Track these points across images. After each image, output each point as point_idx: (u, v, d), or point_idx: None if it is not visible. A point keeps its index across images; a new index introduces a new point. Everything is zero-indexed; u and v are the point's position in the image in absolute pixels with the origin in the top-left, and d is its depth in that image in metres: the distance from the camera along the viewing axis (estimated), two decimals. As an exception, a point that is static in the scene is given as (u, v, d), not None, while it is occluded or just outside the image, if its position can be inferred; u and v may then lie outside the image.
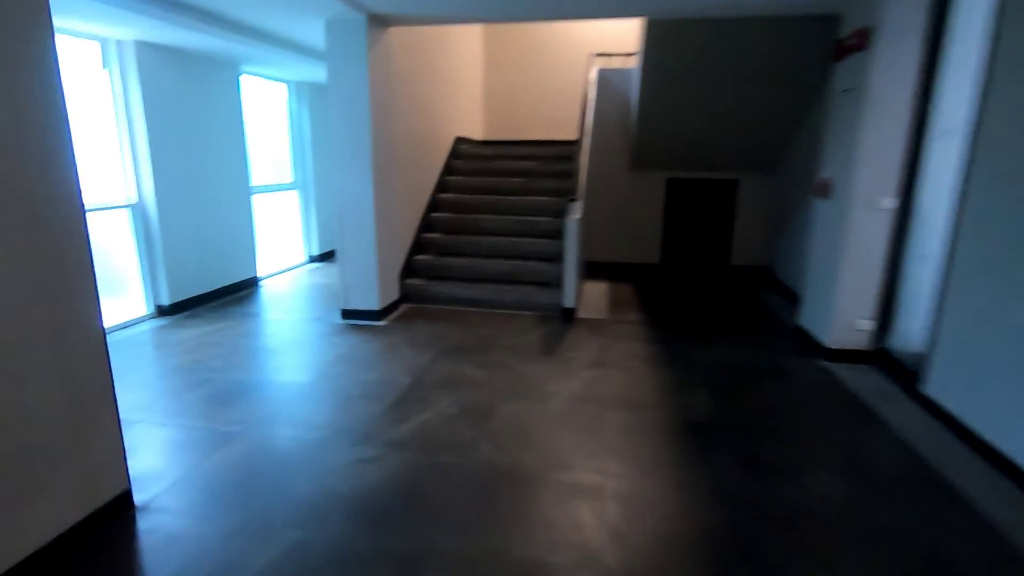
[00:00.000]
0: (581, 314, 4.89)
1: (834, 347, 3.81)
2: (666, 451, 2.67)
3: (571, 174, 6.26)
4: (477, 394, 3.26)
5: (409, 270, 5.35)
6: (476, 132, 7.70)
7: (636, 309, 5.15)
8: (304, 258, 7.00)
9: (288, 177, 6.63)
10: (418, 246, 5.58)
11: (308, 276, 6.33)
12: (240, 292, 5.53)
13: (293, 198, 6.74)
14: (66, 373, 1.97)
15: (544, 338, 4.29)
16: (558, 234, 5.61)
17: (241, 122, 5.47)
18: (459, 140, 6.82)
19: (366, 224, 4.43)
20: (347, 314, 4.66)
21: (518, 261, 5.32)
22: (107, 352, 2.15)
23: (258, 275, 5.87)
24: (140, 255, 4.56)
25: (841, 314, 3.75)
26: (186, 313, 4.80)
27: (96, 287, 2.15)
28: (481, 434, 2.81)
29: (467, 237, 5.61)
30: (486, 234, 5.69)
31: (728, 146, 5.82)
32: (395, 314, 4.84)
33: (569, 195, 5.93)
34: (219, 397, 3.19)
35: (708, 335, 4.41)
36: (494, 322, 4.67)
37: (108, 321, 4.32)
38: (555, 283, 5.17)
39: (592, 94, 5.96)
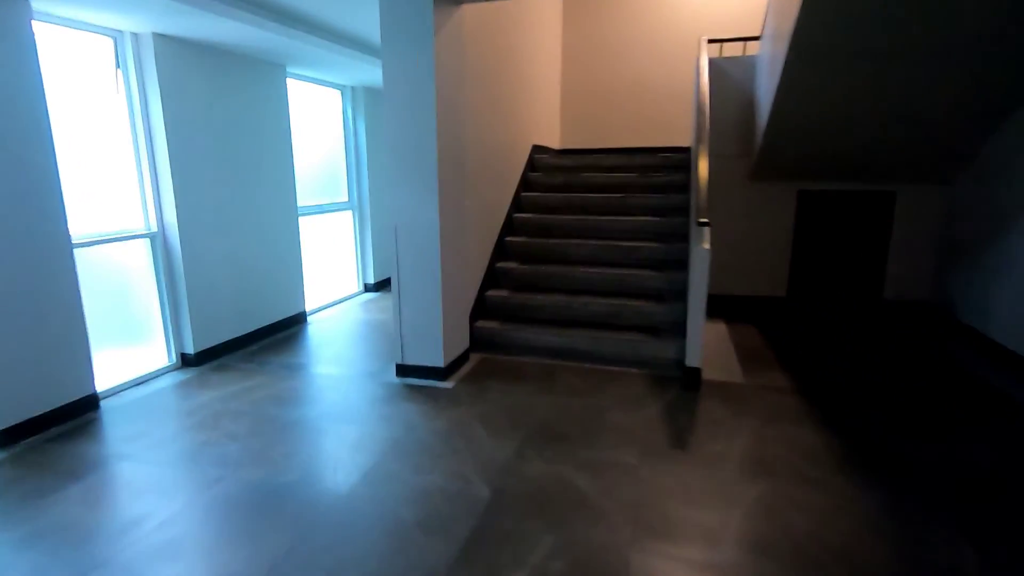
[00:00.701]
0: (707, 373, 3.67)
1: None
2: None
3: (679, 187, 5.07)
4: (592, 530, 2.14)
5: (480, 309, 4.32)
6: (553, 139, 6.65)
7: (777, 365, 3.88)
8: (358, 287, 6.14)
9: (341, 195, 5.80)
10: (491, 278, 4.55)
11: (362, 310, 5.43)
12: (283, 333, 4.68)
13: (346, 220, 5.90)
14: None
15: (667, 414, 3.11)
16: (666, 264, 4.42)
17: (287, 133, 4.65)
18: (536, 149, 5.78)
19: (429, 254, 3.43)
20: (404, 370, 3.67)
21: (617, 299, 4.17)
22: None
23: (306, 309, 5.02)
24: (161, 294, 3.77)
25: None
26: (215, 363, 3.97)
27: None
28: (614, 628, 1.68)
29: (551, 267, 4.52)
30: (574, 263, 4.58)
31: (891, 149, 4.45)
32: (464, 370, 3.81)
33: (676, 213, 4.74)
34: (220, 517, 2.23)
35: (903, 415, 3.10)
36: (592, 384, 3.55)
37: (121, 376, 3.52)
38: (667, 329, 3.98)
39: (704, 89, 4.76)
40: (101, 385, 3.38)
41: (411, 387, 3.52)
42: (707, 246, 3.38)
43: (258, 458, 2.67)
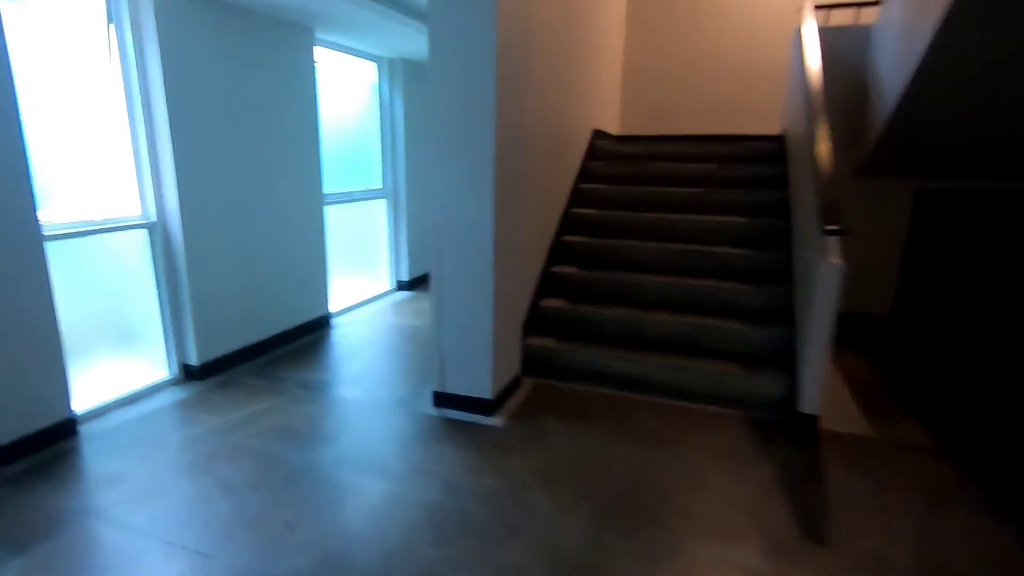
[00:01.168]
0: (822, 420, 2.90)
1: None
2: None
3: (770, 182, 4.26)
4: None
5: (533, 322, 3.63)
6: (612, 123, 5.86)
7: (904, 410, 3.08)
8: (389, 285, 5.52)
9: (374, 182, 5.16)
10: (545, 284, 3.84)
11: (394, 313, 4.80)
12: (302, 339, 4.08)
13: (379, 209, 5.27)
14: None
15: (785, 482, 2.37)
16: (760, 276, 3.64)
17: (314, 108, 4.01)
18: (596, 134, 5.02)
19: (479, 262, 2.74)
20: (443, 399, 3.01)
21: (700, 318, 3.42)
22: None
23: (330, 311, 4.42)
24: (160, 295, 3.19)
25: None
26: (222, 376, 3.39)
27: None
28: None
29: (616, 274, 3.78)
30: (644, 270, 3.84)
31: (1053, 140, 3.55)
32: (514, 400, 3.13)
33: (768, 213, 3.95)
34: (195, 629, 1.61)
35: (1113, 500, 2.29)
36: (675, 428, 2.82)
37: (111, 392, 2.97)
38: (766, 359, 3.22)
39: (812, 61, 3.89)
40: (86, 403, 2.83)
41: (451, 422, 2.86)
42: (838, 260, 2.60)
43: (255, 526, 2.04)
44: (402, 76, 5.06)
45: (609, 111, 5.65)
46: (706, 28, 5.65)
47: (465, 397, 2.94)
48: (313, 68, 3.97)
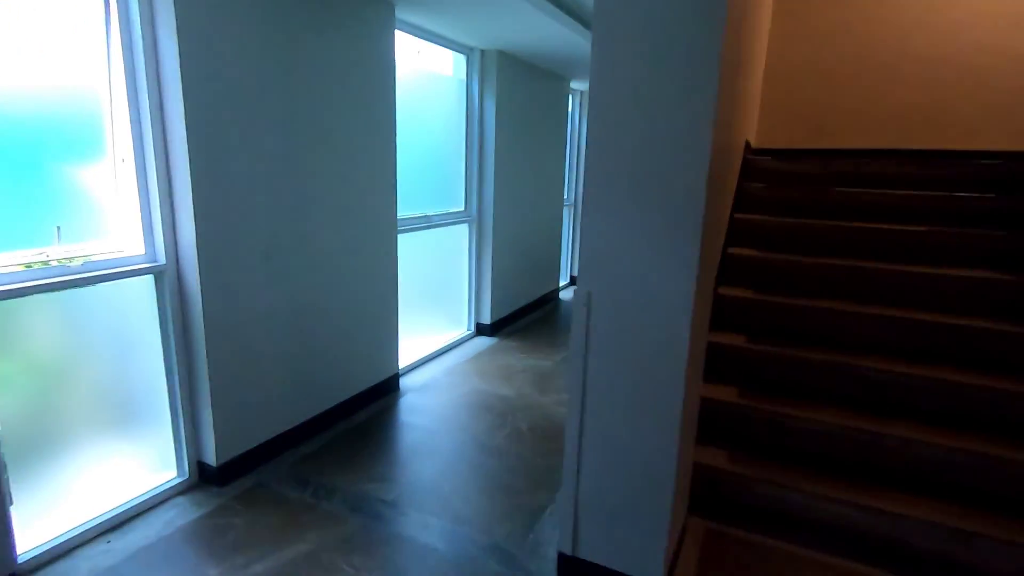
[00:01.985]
0: None
1: None
2: None
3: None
4: None
5: (700, 424, 2.45)
6: (750, 132, 4.61)
7: None
8: (467, 329, 4.48)
9: (454, 203, 4.16)
10: (707, 361, 2.66)
11: (475, 371, 3.75)
12: (361, 413, 3.08)
13: (459, 237, 4.26)
14: None
15: None
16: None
17: (391, 112, 3.04)
18: (747, 148, 3.82)
19: (662, 347, 1.61)
20: (573, 569, 1.88)
21: (972, 440, 2.15)
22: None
23: (399, 368, 3.42)
24: (168, 365, 2.25)
25: None
26: (249, 480, 2.41)
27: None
28: None
29: (808, 353, 2.55)
30: (852, 349, 2.59)
31: None
32: (682, 570, 1.96)
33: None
34: None
35: None
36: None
37: (91, 510, 2.04)
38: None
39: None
40: (60, 528, 1.90)
41: (591, 617, 1.74)
42: None
43: None
44: (496, 72, 4.04)
45: (753, 118, 4.42)
46: (886, 16, 4.30)
47: (610, 571, 1.81)
48: (393, 58, 3.00)
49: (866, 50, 4.37)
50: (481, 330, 4.51)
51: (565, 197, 5.86)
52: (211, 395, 2.27)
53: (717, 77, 1.42)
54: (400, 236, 3.33)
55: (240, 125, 2.22)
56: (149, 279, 2.16)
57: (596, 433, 1.75)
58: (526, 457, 2.68)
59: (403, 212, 3.41)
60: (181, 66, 1.97)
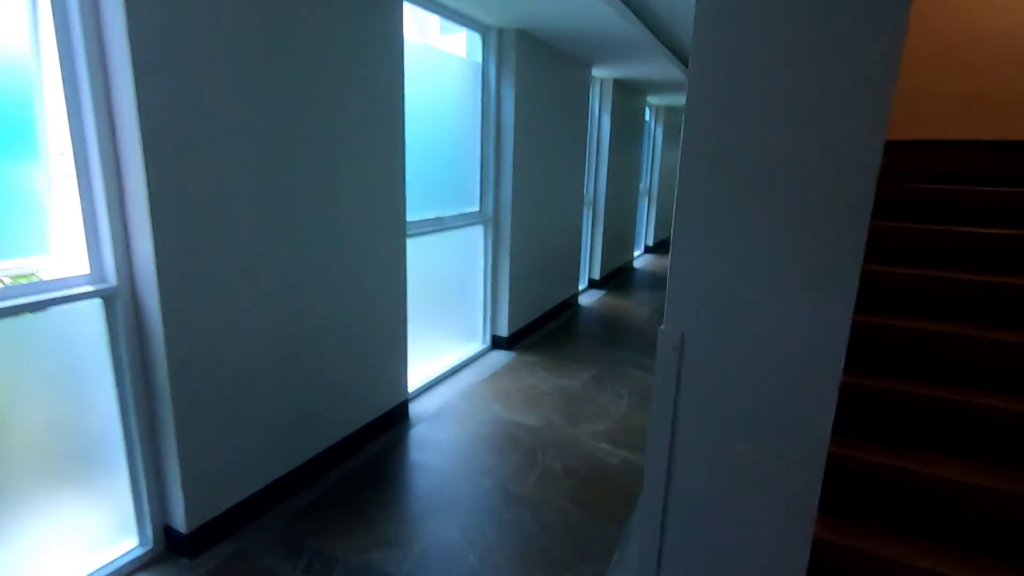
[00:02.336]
0: None
1: None
2: None
3: None
4: None
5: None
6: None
7: None
8: (482, 343, 4.03)
9: (468, 203, 3.70)
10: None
11: (494, 394, 3.29)
12: (363, 452, 2.63)
13: (473, 240, 3.80)
14: None
15: None
16: None
17: (398, 96, 2.58)
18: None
19: (792, 412, 1.16)
20: None
21: None
22: None
23: (408, 394, 2.96)
24: (124, 413, 1.80)
25: None
26: (227, 549, 1.96)
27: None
28: None
29: (942, 391, 2.08)
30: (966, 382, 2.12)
31: None
32: None
33: None
34: None
35: None
36: None
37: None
38: None
39: None
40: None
41: None
42: None
43: None
44: (514, 55, 3.57)
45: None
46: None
47: None
48: (400, 34, 2.54)
49: (950, 24, 3.78)
50: (497, 343, 4.05)
51: (585, 193, 5.41)
52: (177, 444, 1.81)
53: (899, 57, 0.96)
54: (408, 241, 2.87)
55: (214, 111, 1.76)
56: (96, 304, 1.70)
57: (686, 519, 1.29)
58: (565, 509, 2.23)
59: (412, 214, 2.94)
60: (128, 28, 1.51)
